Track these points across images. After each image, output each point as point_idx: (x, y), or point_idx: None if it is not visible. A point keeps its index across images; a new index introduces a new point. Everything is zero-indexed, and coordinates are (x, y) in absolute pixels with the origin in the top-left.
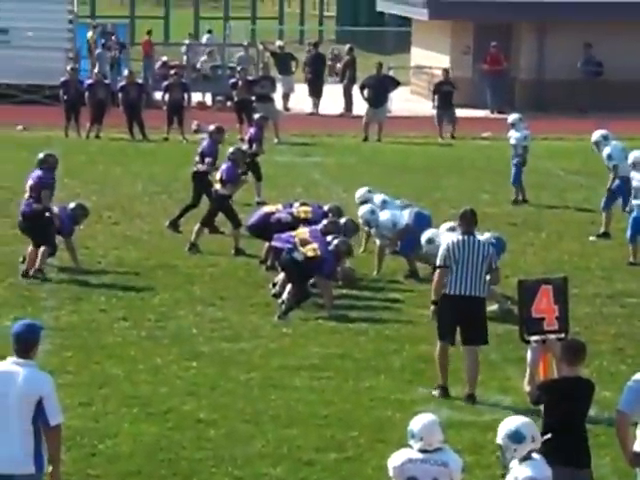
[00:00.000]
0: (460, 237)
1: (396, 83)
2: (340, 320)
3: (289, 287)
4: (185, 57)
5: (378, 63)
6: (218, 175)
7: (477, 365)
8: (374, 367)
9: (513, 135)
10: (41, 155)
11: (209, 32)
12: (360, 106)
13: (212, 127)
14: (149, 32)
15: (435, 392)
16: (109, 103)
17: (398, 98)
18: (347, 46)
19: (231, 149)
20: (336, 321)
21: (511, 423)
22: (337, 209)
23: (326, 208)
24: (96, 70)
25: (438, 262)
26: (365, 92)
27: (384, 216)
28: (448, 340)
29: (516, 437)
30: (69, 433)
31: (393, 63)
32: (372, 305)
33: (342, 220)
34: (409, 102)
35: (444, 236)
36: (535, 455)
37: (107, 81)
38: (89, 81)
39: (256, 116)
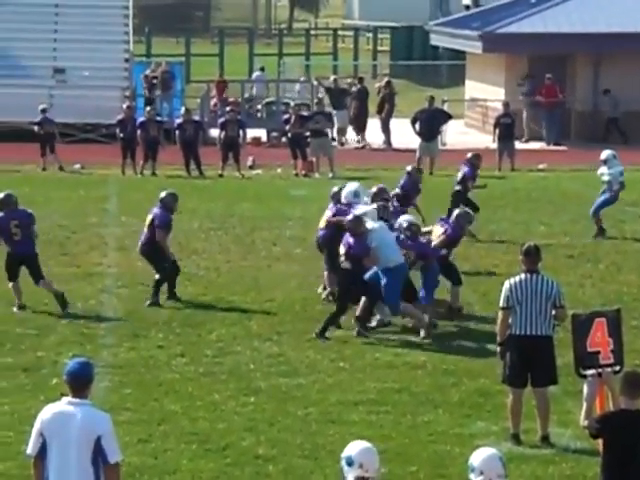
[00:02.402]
0: (523, 276)
1: (447, 116)
2: (397, 354)
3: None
4: (254, 92)
5: (429, 96)
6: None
7: (548, 406)
8: (432, 401)
9: (605, 171)
10: (163, 194)
11: (261, 70)
12: (405, 139)
13: None
14: (221, 74)
15: (508, 443)
16: (162, 140)
17: (452, 131)
18: (385, 79)
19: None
20: (393, 355)
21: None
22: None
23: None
24: (148, 108)
25: (501, 303)
26: (417, 126)
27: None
28: (519, 385)
29: (347, 461)
30: (128, 470)
31: (447, 96)
32: (427, 340)
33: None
34: (464, 135)
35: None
36: None
37: (159, 118)
38: (141, 119)
39: (468, 155)
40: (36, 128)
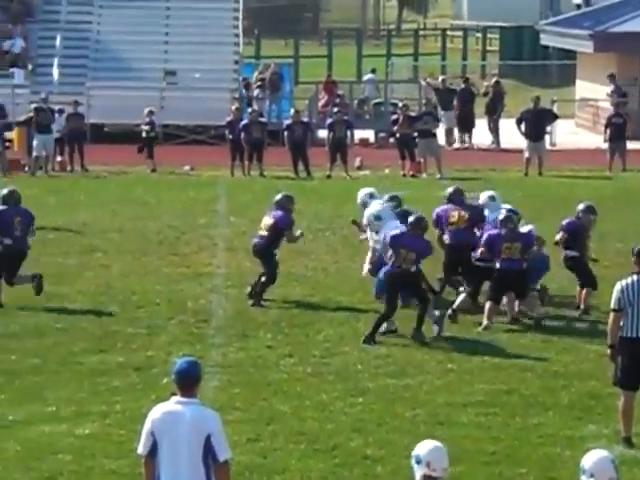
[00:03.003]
0: (635, 277)
1: (554, 116)
2: (505, 356)
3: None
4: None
5: (535, 97)
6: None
7: None
8: (541, 403)
9: None
10: (278, 196)
11: (372, 72)
12: (514, 139)
13: None
14: (329, 75)
15: (620, 446)
16: (266, 141)
17: (563, 131)
18: (493, 79)
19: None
20: (501, 357)
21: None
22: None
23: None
24: (250, 110)
25: (612, 305)
26: (522, 126)
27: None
28: (630, 387)
29: (416, 459)
30: (238, 469)
31: (557, 96)
32: (537, 340)
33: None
34: (574, 135)
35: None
36: None
37: (263, 119)
38: (244, 121)
39: None
40: (145, 130)
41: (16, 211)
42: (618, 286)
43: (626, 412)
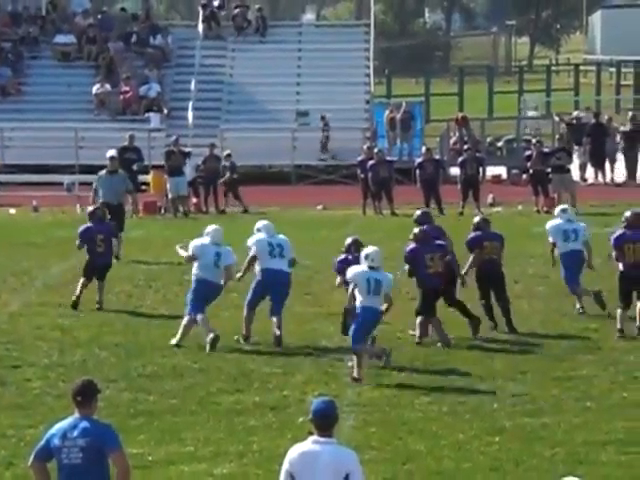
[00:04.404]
0: None
1: None
2: None
3: None
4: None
5: None
6: None
7: None
8: None
9: None
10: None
11: (535, 109)
12: None
13: None
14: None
15: None
16: (393, 181)
17: None
18: (630, 114)
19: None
20: None
21: None
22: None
23: None
24: (376, 149)
25: None
26: None
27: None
28: None
29: None
30: None
31: None
32: None
33: None
34: None
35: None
36: None
37: (389, 158)
38: (371, 161)
39: None
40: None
41: (98, 228)
42: None
43: None
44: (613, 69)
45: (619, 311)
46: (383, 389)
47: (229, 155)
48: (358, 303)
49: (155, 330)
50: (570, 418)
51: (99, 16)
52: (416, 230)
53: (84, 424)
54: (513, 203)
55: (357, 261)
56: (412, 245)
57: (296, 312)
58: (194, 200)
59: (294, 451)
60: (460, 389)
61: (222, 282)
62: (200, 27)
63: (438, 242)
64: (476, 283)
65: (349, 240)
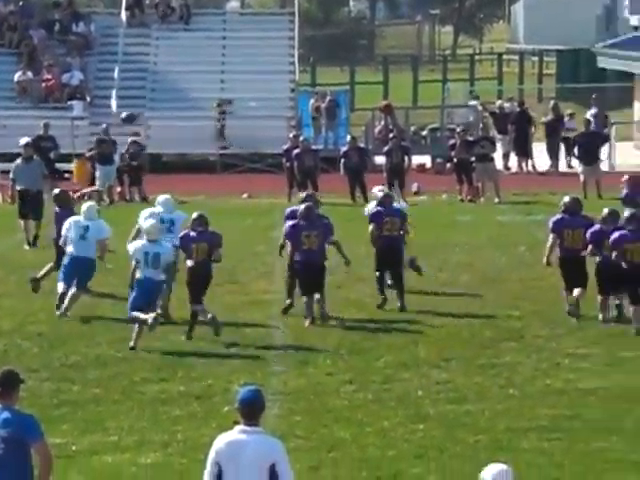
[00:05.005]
0: None
1: (604, 138)
2: (568, 381)
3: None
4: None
5: (586, 120)
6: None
7: None
8: (605, 428)
9: None
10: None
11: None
12: (572, 163)
13: None
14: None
15: None
16: (318, 170)
17: (622, 153)
18: (552, 103)
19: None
20: (564, 382)
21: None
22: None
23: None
24: (301, 138)
25: None
26: (575, 150)
27: None
28: None
29: None
30: None
31: (616, 119)
32: (600, 364)
33: None
34: (634, 157)
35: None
36: None
37: (314, 147)
38: (297, 150)
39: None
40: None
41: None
42: None
43: None
44: (536, 58)
45: (564, 293)
46: (309, 377)
47: (134, 142)
48: (138, 274)
49: (78, 320)
50: (493, 405)
51: (20, 3)
52: (302, 207)
53: (5, 414)
54: (437, 192)
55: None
56: (293, 222)
57: (221, 301)
58: (118, 189)
59: (220, 440)
60: (385, 376)
61: (94, 256)
62: (123, 14)
63: (325, 222)
64: (375, 257)
65: (195, 215)
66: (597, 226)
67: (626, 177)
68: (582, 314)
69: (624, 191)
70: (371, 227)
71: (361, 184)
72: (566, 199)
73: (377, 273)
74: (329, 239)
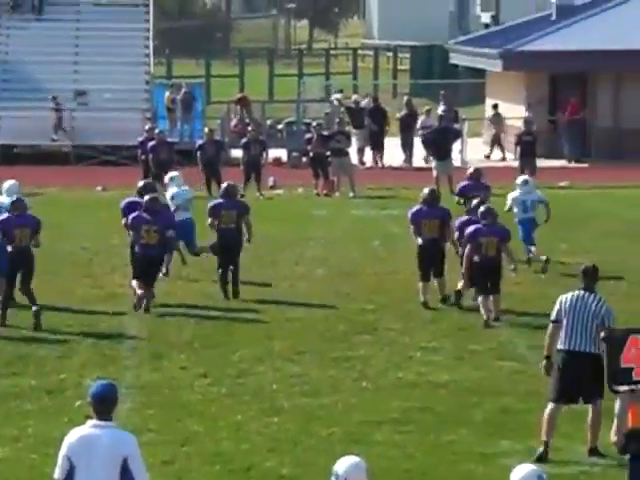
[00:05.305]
0: (577, 292)
1: (456, 134)
2: (420, 374)
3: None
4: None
5: (439, 116)
6: None
7: (600, 420)
8: (455, 420)
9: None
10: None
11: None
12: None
13: None
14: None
15: (541, 448)
16: (174, 162)
17: (473, 149)
18: (405, 98)
19: None
20: (416, 375)
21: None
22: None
23: None
24: (157, 131)
25: (552, 317)
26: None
27: None
28: (562, 401)
29: (335, 476)
30: None
31: (467, 115)
32: (450, 358)
33: None
34: (483, 153)
35: None
36: None
37: (170, 140)
38: (152, 143)
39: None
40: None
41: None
42: (560, 298)
43: (549, 422)
44: (390, 54)
45: (420, 284)
46: (163, 371)
47: None
48: None
49: None
50: (347, 398)
51: None
52: (146, 199)
53: None
54: (293, 186)
55: None
56: (135, 214)
57: (76, 294)
58: None
59: (72, 435)
60: (240, 370)
61: None
62: None
63: (166, 216)
64: (217, 251)
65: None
66: (465, 217)
67: (471, 170)
68: (434, 307)
69: (463, 182)
70: None
71: (217, 177)
72: (425, 191)
73: (220, 270)
74: (169, 233)
